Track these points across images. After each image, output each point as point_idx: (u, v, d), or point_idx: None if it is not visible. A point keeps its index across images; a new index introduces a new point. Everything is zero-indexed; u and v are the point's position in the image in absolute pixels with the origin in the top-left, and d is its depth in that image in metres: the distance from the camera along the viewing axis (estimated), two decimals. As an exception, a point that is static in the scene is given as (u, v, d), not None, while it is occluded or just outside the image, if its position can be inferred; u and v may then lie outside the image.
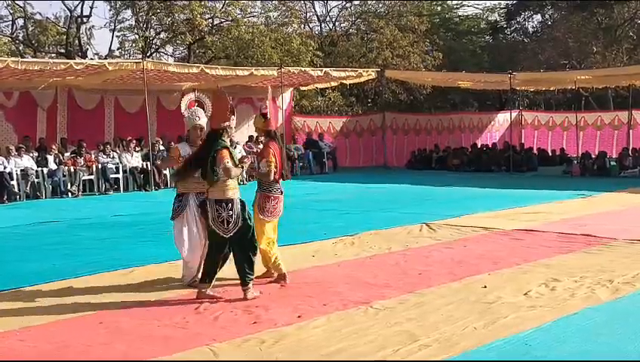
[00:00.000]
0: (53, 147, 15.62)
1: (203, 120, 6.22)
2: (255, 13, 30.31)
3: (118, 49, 30.45)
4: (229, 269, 6.61)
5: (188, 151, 6.21)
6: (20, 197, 14.32)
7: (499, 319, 4.81)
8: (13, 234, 9.78)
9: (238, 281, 6.04)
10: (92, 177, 15.78)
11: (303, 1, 32.63)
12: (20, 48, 30.02)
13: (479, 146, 22.18)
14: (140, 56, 27.18)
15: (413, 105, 30.77)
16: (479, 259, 7.02)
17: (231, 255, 5.74)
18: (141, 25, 28.99)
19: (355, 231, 8.71)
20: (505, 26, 36.04)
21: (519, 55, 31.68)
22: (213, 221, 5.44)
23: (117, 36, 30.19)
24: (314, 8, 34.11)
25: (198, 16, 26.56)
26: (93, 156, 15.95)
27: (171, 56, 32.97)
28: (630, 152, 18.41)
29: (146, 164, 16.30)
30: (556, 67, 28.01)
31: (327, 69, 21.02)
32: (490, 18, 37.57)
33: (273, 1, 30.60)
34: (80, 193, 15.24)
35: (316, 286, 5.96)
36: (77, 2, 28.46)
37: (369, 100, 31.07)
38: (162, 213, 11.73)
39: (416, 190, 14.75)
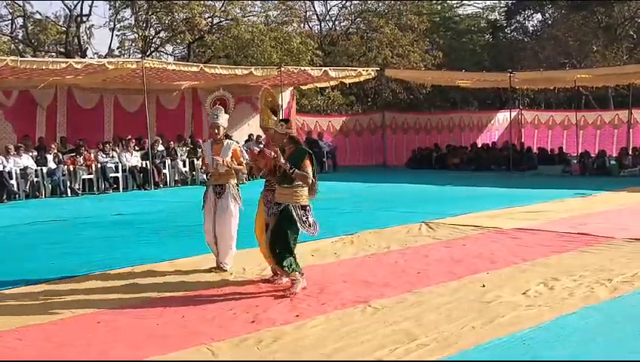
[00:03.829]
0: (53, 146, 15.62)
1: (221, 119, 6.46)
2: (255, 13, 30.38)
3: (117, 48, 30.52)
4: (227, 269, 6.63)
5: (209, 149, 6.55)
6: (19, 197, 14.33)
7: (497, 318, 4.81)
8: (13, 233, 9.78)
9: (237, 280, 6.08)
10: (92, 176, 15.79)
11: (302, 1, 32.68)
12: (20, 47, 30.02)
13: (479, 145, 22.18)
14: (140, 56, 27.18)
15: (412, 104, 30.80)
16: (478, 258, 7.01)
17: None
18: (141, 24, 29.01)
19: (354, 230, 8.70)
20: (505, 24, 36.05)
21: (519, 54, 31.71)
22: (301, 224, 5.67)
23: (117, 35, 30.28)
24: (314, 7, 34.20)
25: (198, 15, 26.59)
26: (92, 155, 15.96)
27: (171, 55, 33.05)
28: (630, 151, 18.41)
29: (146, 163, 16.31)
30: (556, 66, 28.00)
31: (327, 69, 21.01)
32: (490, 17, 37.61)
33: (273, 1, 30.62)
34: (80, 192, 15.25)
35: (315, 285, 5.94)
36: (76, 1, 28.54)
37: (369, 99, 31.10)
38: (162, 212, 11.81)
39: (416, 189, 14.75)
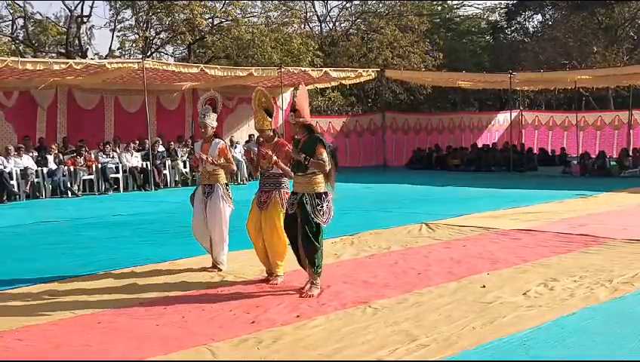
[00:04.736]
0: (53, 147, 15.62)
1: (208, 119, 6.63)
2: (255, 13, 30.40)
3: (118, 49, 30.48)
4: (227, 268, 6.63)
5: (199, 149, 6.71)
6: (19, 197, 14.33)
7: (497, 319, 4.81)
8: (13, 234, 9.78)
9: (237, 280, 6.07)
10: (92, 177, 15.79)
11: (303, 1, 32.67)
12: (20, 48, 30.03)
13: (479, 146, 22.18)
14: (140, 56, 27.20)
15: (413, 105, 30.81)
16: (478, 258, 7.01)
17: None
18: (141, 25, 29.00)
19: (354, 231, 8.71)
20: (505, 25, 36.03)
21: (519, 55, 31.68)
22: (314, 213, 5.59)
23: (117, 36, 30.25)
24: (314, 8, 34.14)
25: (198, 16, 26.59)
26: (93, 156, 15.97)
27: (171, 56, 33.05)
28: (630, 152, 18.41)
29: (146, 164, 16.31)
30: (556, 67, 27.97)
31: (327, 69, 21.00)
32: (490, 18, 37.61)
33: (273, 1, 30.62)
34: (80, 193, 15.25)
35: (315, 285, 5.95)
36: (77, 2, 28.55)
37: (369, 100, 31.07)
38: (162, 212, 11.81)
39: (416, 190, 14.75)
